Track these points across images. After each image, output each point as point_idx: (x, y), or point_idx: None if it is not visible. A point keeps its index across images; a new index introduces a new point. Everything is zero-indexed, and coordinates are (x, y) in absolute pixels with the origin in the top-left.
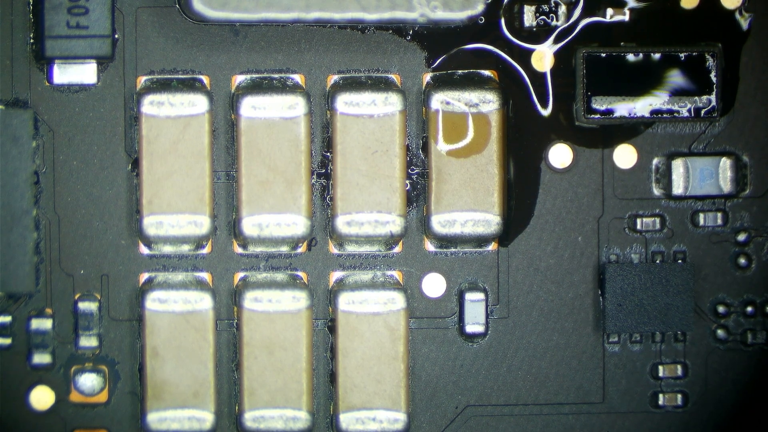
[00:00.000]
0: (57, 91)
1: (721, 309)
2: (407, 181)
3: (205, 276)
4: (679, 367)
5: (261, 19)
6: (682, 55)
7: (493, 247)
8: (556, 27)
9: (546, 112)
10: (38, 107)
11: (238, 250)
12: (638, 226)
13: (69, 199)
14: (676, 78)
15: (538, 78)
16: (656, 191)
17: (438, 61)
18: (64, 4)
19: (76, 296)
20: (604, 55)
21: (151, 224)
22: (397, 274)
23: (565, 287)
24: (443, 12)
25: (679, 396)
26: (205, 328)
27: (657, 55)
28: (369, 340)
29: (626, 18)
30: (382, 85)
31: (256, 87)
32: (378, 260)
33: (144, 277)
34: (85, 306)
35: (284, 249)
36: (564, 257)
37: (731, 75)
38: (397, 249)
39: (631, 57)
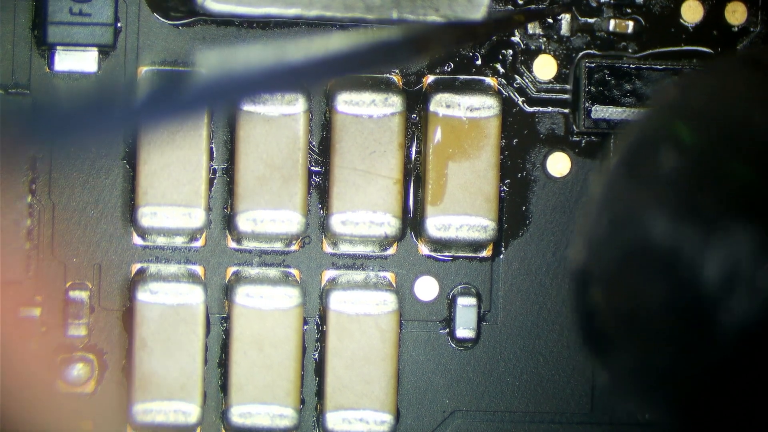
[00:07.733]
0: (57, 78)
1: None
2: (404, 183)
3: (198, 269)
4: None
5: (264, 14)
6: (683, 69)
7: (487, 252)
8: (560, 35)
9: (546, 120)
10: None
11: (232, 244)
12: None
13: (64, 186)
14: None
15: (539, 86)
16: None
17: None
18: None
19: (68, 284)
20: (606, 65)
21: (146, 215)
22: (390, 276)
23: (557, 296)
24: (446, 15)
25: None
26: (195, 322)
27: (659, 68)
28: (359, 340)
29: (630, 30)
30: (382, 85)
31: None
32: (371, 261)
33: (136, 267)
34: (75, 294)
35: (278, 245)
36: (558, 266)
37: None
38: (391, 251)
39: (633, 68)
